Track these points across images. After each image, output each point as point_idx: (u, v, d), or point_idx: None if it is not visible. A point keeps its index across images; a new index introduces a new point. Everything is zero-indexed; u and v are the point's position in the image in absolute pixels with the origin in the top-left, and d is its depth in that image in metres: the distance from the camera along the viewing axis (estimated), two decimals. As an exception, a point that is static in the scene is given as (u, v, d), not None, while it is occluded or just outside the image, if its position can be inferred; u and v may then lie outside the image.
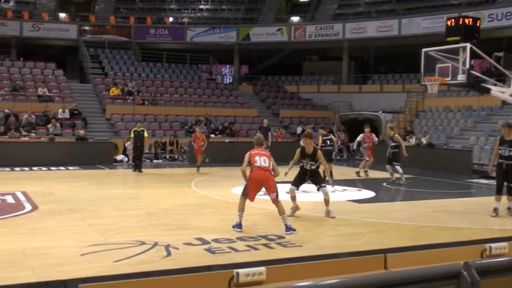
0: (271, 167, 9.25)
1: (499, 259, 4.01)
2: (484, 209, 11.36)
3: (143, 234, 8.48)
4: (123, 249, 7.51)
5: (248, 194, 9.26)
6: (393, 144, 16.92)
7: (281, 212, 9.16)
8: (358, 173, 18.63)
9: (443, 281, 3.36)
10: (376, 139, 20.32)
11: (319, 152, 10.53)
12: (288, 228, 8.91)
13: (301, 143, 10.62)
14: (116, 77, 30.96)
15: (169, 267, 6.61)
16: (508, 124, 10.94)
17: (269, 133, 22.78)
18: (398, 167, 16.70)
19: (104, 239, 8.22)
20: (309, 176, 10.56)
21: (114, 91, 28.24)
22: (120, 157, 22.30)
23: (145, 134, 19.51)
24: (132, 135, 19.54)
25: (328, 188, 11.29)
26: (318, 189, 10.61)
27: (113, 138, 23.96)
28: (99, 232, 8.70)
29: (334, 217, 10.32)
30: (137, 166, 19.10)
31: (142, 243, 7.91)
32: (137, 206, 11.64)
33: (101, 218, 10.12)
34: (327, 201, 10.49)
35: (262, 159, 9.18)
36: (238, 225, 9.04)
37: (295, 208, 10.64)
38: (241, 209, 9.22)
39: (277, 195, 9.20)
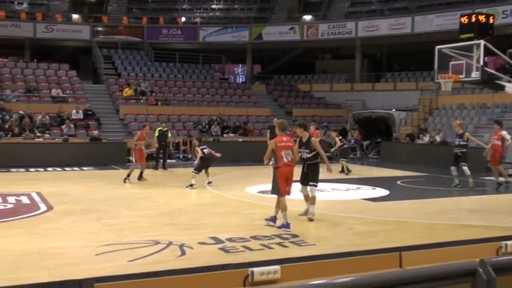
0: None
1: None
2: (498, 207, 11.26)
3: (157, 234, 8.51)
4: (137, 249, 7.55)
5: (282, 191, 9.28)
6: (462, 143, 15.45)
7: (282, 209, 9.29)
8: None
9: (459, 279, 3.33)
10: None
11: (313, 139, 10.17)
12: (272, 218, 9.29)
13: (297, 132, 10.45)
14: (129, 77, 31.09)
15: (183, 266, 6.63)
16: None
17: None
18: (466, 168, 15.39)
19: (118, 238, 8.26)
20: (306, 168, 10.16)
21: (127, 91, 28.37)
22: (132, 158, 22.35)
23: (169, 134, 20.64)
24: (156, 133, 20.00)
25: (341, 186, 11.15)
26: (308, 185, 10.11)
27: (127, 139, 24.04)
28: (114, 232, 8.75)
29: (312, 220, 9.88)
30: (158, 164, 20.09)
31: (157, 242, 7.94)
32: (151, 205, 11.68)
33: (115, 218, 10.18)
34: (312, 200, 10.05)
35: (287, 154, 9.23)
36: (287, 225, 8.98)
37: (307, 210, 10.34)
38: (285, 208, 9.20)
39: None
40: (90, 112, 25.55)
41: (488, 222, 9.96)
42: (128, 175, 15.88)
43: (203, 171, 15.01)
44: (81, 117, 24.98)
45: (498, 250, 6.57)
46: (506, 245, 6.62)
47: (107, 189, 14.21)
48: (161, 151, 20.13)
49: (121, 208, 11.25)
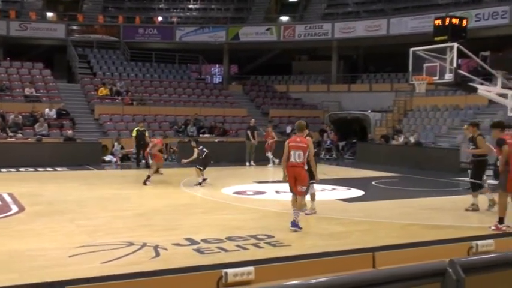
0: (305, 160, 9.41)
1: (484, 256, 4.04)
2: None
3: (132, 235, 8.45)
4: (112, 251, 7.48)
5: (291, 189, 9.52)
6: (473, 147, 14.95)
7: (298, 206, 9.33)
8: None
9: (429, 279, 3.37)
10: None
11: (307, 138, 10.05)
12: (295, 224, 9.05)
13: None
14: (105, 76, 30.82)
15: (157, 268, 6.58)
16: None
17: (255, 132, 22.84)
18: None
19: (92, 240, 8.18)
20: None
21: (103, 91, 28.11)
22: (108, 157, 22.18)
23: (146, 134, 20.77)
24: (134, 133, 20.42)
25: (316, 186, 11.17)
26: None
27: (102, 139, 23.84)
28: (88, 233, 8.66)
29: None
30: (140, 162, 20.51)
31: (131, 244, 7.88)
32: (126, 206, 11.59)
33: (89, 219, 10.07)
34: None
35: (297, 155, 9.33)
36: (294, 224, 9.10)
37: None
38: (294, 205, 9.42)
39: (306, 189, 9.57)
40: (64, 112, 25.24)
41: (461, 223, 10.10)
42: (149, 177, 15.59)
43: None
44: (54, 116, 24.66)
45: (469, 250, 6.67)
46: (477, 244, 6.71)
47: (81, 190, 14.05)
48: (141, 151, 20.34)
49: (95, 209, 11.14)
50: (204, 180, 15.36)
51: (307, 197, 10.49)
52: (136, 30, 34.72)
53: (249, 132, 22.66)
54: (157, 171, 16.47)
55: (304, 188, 9.48)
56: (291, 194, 9.61)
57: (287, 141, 9.64)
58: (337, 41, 33.04)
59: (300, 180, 9.39)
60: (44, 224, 9.42)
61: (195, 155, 15.60)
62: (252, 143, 22.43)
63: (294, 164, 9.36)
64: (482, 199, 11.37)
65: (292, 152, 9.38)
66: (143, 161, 20.44)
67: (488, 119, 23.31)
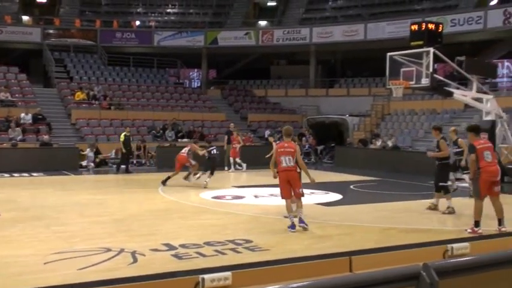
0: (295, 163, 9.66)
1: (458, 259, 4.09)
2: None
3: (109, 241, 8.38)
4: (88, 257, 7.41)
5: (283, 194, 9.73)
6: (458, 150, 14.08)
7: (299, 206, 9.67)
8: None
9: (403, 283, 3.41)
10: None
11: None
12: (302, 221, 9.46)
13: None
14: (82, 81, 30.55)
15: (134, 274, 6.53)
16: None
17: (232, 137, 22.78)
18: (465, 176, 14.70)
19: (69, 246, 8.09)
20: None
21: (80, 95, 27.86)
22: (85, 162, 21.96)
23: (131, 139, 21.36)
24: (122, 138, 20.58)
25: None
26: None
27: (79, 144, 23.61)
28: (64, 239, 8.57)
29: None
30: (119, 167, 20.63)
31: (108, 250, 7.81)
32: (103, 212, 11.49)
33: (66, 225, 9.97)
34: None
35: (287, 159, 9.55)
36: (292, 226, 9.39)
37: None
38: (290, 210, 9.68)
39: (302, 190, 9.81)
40: (40, 116, 24.96)
41: (438, 226, 10.20)
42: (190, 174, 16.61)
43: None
44: (30, 120, 24.37)
45: (445, 253, 6.73)
46: (452, 248, 6.78)
47: (58, 196, 13.90)
48: (126, 155, 20.73)
49: (72, 215, 11.02)
50: (191, 175, 16.43)
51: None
52: (113, 34, 34.51)
53: (226, 137, 22.58)
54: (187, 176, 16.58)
55: (301, 189, 9.78)
56: (282, 200, 9.83)
57: (275, 147, 9.97)
58: (315, 45, 33.22)
59: (294, 183, 9.62)
60: (19, 231, 9.30)
61: (200, 153, 16.60)
62: (229, 147, 22.34)
63: (287, 168, 9.55)
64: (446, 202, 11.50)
65: (282, 158, 9.56)
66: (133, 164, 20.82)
67: (464, 122, 23.57)
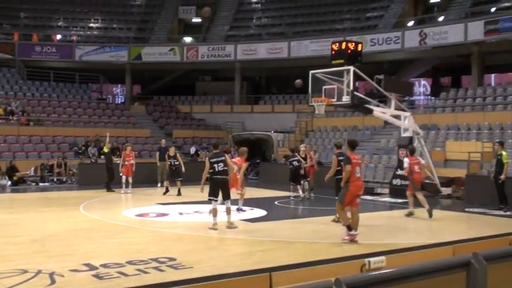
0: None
1: (371, 273, 4.21)
2: (367, 224, 11.86)
3: (25, 262, 8.04)
4: (2, 279, 7.08)
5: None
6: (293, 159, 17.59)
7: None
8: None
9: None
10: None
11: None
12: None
13: None
14: (-1, 96, 29.36)
15: (52, 296, 6.30)
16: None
17: (167, 153, 22.43)
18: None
19: (-19, 269, 7.70)
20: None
21: (-4, 111, 26.76)
22: (3, 181, 20.99)
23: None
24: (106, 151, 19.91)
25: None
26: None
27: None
28: (-24, 262, 8.15)
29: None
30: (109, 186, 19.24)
31: (25, 271, 7.49)
32: (19, 232, 11.01)
33: (-21, 246, 9.48)
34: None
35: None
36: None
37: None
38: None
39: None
40: (-47, 133, 23.74)
41: (363, 240, 10.40)
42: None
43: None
44: None
45: (362, 267, 6.90)
46: (369, 261, 6.95)
47: (-29, 216, 13.20)
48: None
49: (-15, 236, 10.50)
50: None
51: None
52: (33, 48, 33.45)
53: (158, 153, 22.15)
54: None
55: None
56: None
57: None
58: (240, 62, 33.54)
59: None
60: None
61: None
62: (164, 164, 21.94)
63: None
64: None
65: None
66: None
67: (384, 139, 24.50)
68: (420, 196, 13.42)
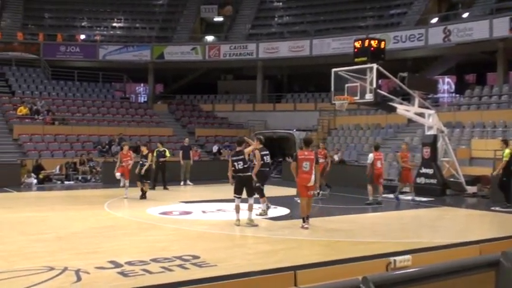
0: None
1: (397, 272, 4.18)
2: (392, 223, 11.80)
3: (52, 260, 8.14)
4: (30, 276, 7.18)
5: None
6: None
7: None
8: None
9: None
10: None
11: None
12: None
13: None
14: (24, 95, 29.77)
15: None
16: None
17: (191, 152, 22.66)
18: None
19: (9, 265, 7.82)
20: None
21: (22, 110, 27.13)
22: (29, 180, 21.31)
23: (168, 154, 20.67)
24: (155, 154, 19.58)
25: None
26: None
27: (22, 159, 22.93)
28: (4, 258, 8.28)
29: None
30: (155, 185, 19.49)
31: (51, 268, 7.59)
32: (46, 229, 11.17)
33: (6, 243, 9.61)
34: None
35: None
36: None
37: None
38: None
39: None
40: (-20, 132, 24.15)
41: (383, 239, 10.36)
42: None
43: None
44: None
45: (388, 266, 6.86)
46: (395, 260, 6.91)
47: (-2, 214, 13.43)
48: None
49: (13, 233, 10.67)
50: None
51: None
52: (57, 48, 33.83)
53: (182, 151, 22.33)
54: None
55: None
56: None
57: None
58: (261, 60, 33.51)
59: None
60: (-44, 251, 8.92)
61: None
62: (188, 162, 22.14)
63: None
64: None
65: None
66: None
67: (408, 137, 24.27)
68: (369, 187, 15.36)
